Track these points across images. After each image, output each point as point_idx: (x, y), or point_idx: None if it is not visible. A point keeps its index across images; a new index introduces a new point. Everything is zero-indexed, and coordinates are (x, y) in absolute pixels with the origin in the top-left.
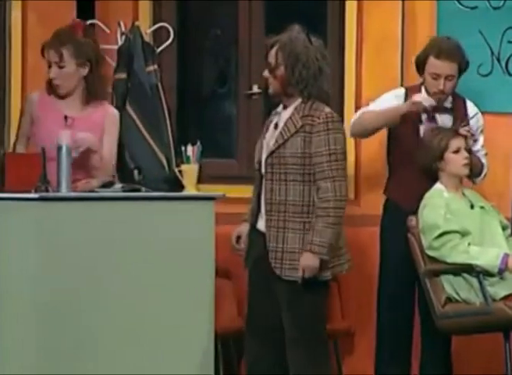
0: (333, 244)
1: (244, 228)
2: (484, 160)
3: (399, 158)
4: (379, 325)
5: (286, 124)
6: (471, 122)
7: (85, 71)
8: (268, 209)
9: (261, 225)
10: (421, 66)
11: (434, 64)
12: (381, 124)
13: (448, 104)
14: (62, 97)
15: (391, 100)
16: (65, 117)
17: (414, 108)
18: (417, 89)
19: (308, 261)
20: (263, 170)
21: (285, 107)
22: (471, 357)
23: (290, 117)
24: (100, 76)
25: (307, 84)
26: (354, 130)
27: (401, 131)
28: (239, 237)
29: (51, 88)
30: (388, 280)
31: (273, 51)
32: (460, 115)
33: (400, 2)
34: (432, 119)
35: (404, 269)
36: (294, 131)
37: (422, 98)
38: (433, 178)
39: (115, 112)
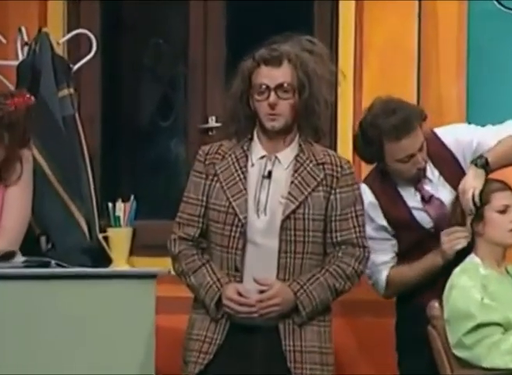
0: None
1: (237, 284)
2: None
3: (405, 249)
4: None
5: (299, 174)
6: (467, 149)
7: None
8: None
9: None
10: (375, 157)
11: (397, 148)
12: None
13: (429, 173)
14: None
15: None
16: None
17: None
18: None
19: (285, 300)
20: (255, 236)
21: (270, 148)
22: None
23: (302, 165)
24: None
25: (320, 117)
26: (392, 292)
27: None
28: (239, 293)
29: None
30: None
31: (285, 70)
32: (447, 167)
33: (417, 2)
34: (428, 200)
35: None
36: (315, 185)
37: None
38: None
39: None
